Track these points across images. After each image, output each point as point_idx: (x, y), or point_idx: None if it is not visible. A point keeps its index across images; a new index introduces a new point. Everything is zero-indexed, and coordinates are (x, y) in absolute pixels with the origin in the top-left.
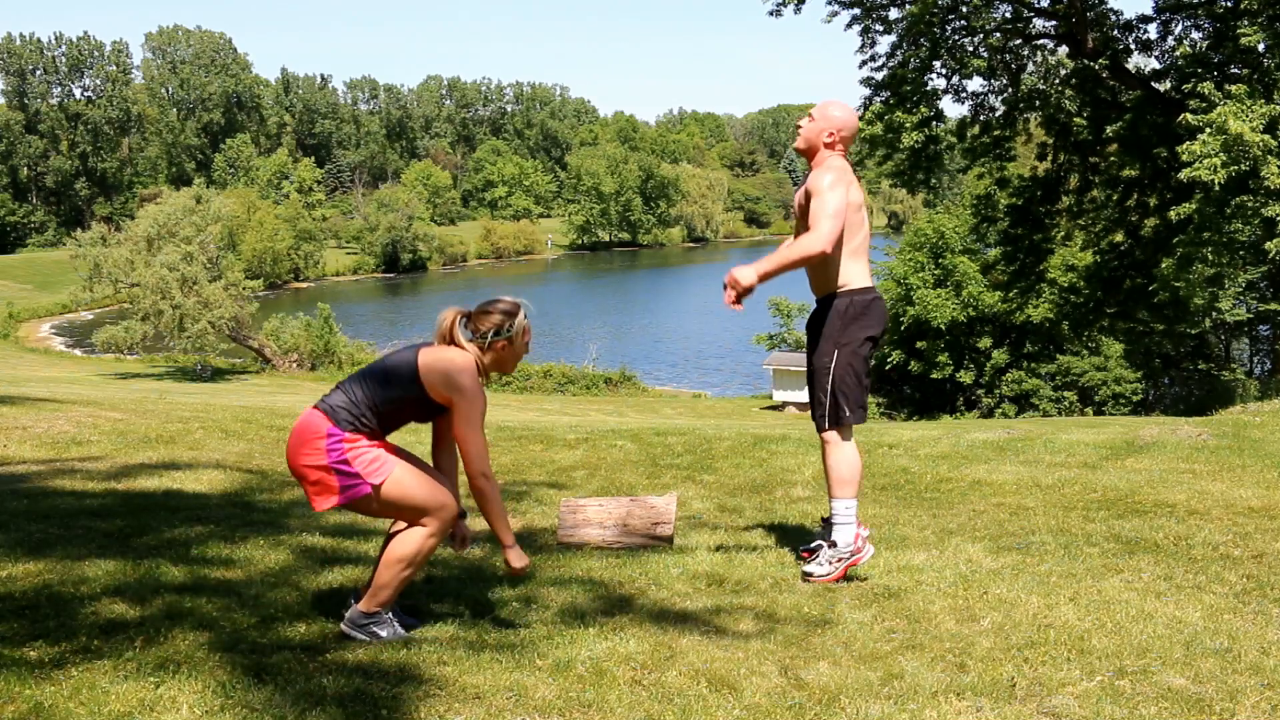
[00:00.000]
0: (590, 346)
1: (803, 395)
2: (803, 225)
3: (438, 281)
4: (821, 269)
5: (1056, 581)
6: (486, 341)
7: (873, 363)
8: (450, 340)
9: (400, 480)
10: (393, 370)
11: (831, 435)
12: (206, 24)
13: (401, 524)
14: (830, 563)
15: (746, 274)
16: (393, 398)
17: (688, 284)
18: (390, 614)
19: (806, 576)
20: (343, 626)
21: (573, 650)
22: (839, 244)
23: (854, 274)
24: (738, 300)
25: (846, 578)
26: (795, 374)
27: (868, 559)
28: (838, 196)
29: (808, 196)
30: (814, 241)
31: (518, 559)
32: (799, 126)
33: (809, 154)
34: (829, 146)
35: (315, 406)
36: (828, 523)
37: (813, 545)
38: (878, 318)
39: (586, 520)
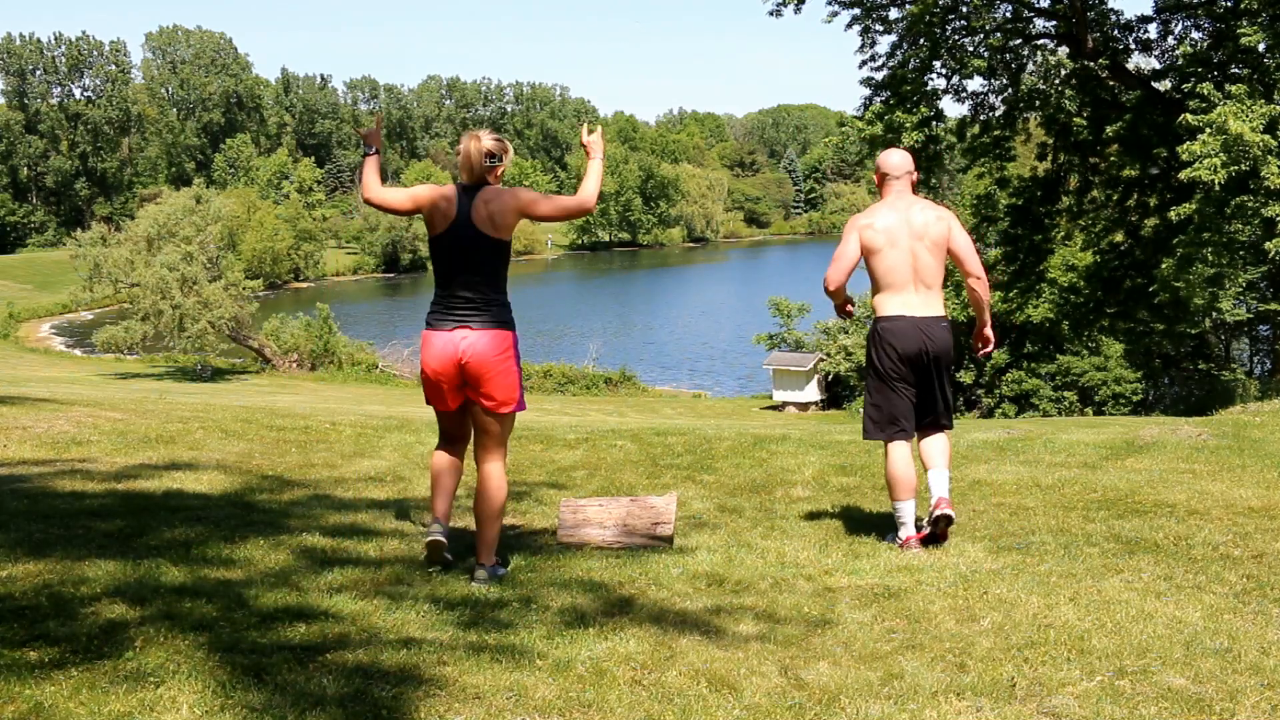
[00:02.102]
0: (590, 346)
1: (802, 395)
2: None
3: None
4: None
5: (1056, 581)
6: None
7: (899, 386)
8: (479, 178)
9: None
10: (481, 242)
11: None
12: (206, 24)
13: (491, 479)
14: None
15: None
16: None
17: (688, 284)
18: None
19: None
20: (476, 584)
21: (573, 650)
22: (874, 279)
23: (879, 303)
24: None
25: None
26: (795, 374)
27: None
28: (843, 245)
29: None
30: (825, 280)
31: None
32: None
33: None
34: (880, 187)
35: (477, 325)
36: None
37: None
38: (886, 342)
39: (587, 520)
